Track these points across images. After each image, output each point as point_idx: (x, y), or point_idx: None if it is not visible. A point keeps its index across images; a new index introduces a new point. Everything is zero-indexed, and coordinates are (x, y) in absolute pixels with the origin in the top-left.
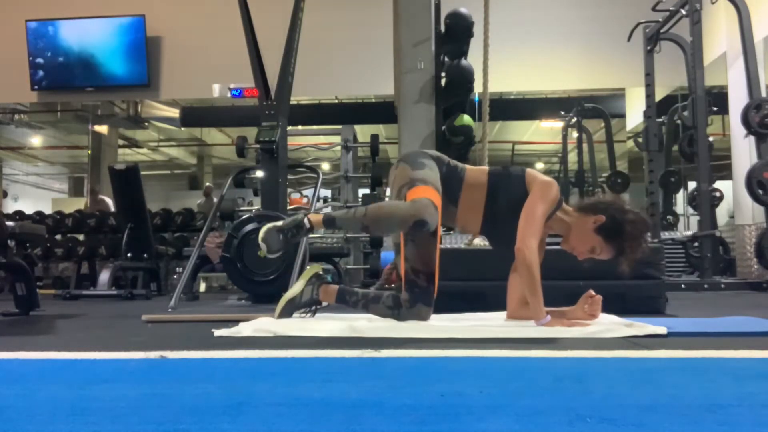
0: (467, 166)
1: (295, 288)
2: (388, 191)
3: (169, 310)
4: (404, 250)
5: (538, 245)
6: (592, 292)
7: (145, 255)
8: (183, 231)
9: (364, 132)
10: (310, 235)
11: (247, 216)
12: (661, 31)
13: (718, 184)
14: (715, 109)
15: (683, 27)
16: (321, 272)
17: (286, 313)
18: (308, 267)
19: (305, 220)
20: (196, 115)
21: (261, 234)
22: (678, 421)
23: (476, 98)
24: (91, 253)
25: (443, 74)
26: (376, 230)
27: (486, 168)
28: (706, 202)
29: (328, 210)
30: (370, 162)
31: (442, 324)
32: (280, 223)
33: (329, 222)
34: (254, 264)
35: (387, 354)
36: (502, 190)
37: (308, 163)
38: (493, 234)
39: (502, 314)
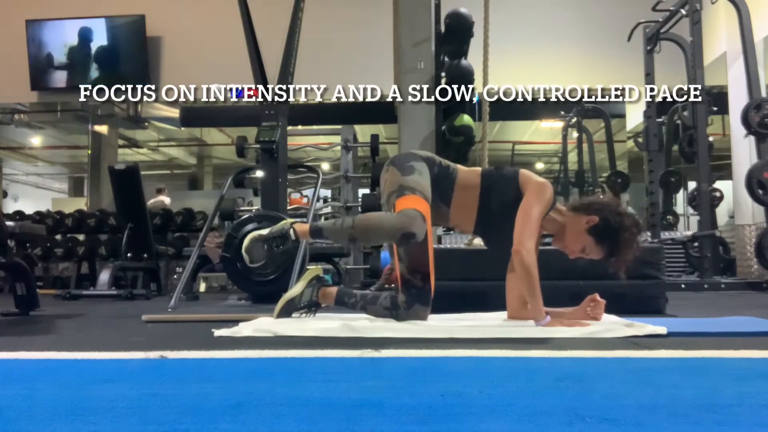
0: (459, 167)
1: (295, 289)
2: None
3: (169, 310)
4: (398, 251)
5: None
6: (597, 296)
7: (145, 255)
8: (183, 231)
9: (364, 132)
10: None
11: (247, 216)
12: (661, 31)
13: (718, 184)
14: (715, 109)
15: (683, 27)
16: (321, 274)
17: (285, 313)
18: (308, 269)
19: (291, 230)
20: (196, 115)
21: (245, 243)
22: (678, 421)
23: (476, 98)
24: (91, 253)
25: (443, 74)
26: (363, 241)
27: (479, 169)
28: (706, 202)
29: (328, 210)
30: (370, 162)
31: (442, 324)
32: (265, 232)
33: (316, 232)
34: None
35: (387, 354)
36: (494, 191)
37: (308, 163)
38: (487, 234)
39: (502, 314)
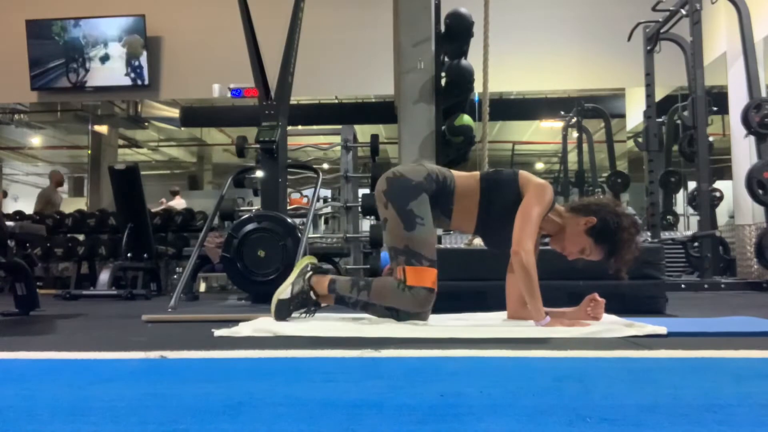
0: (456, 175)
1: (287, 281)
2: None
3: (169, 310)
4: (398, 254)
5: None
6: (596, 295)
7: (145, 255)
8: (183, 231)
9: (364, 132)
10: (311, 235)
11: (247, 216)
12: (661, 31)
13: (718, 184)
14: (715, 109)
15: (683, 27)
16: (314, 262)
17: (284, 312)
18: (301, 258)
19: (312, 293)
20: (196, 115)
21: (272, 307)
22: (678, 421)
23: (476, 98)
24: (91, 253)
25: (443, 74)
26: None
27: (476, 174)
28: (706, 202)
29: (328, 210)
30: (370, 162)
31: (442, 324)
32: (287, 295)
33: (333, 290)
34: (254, 264)
35: (387, 354)
36: (494, 194)
37: (308, 163)
38: (487, 235)
39: (502, 314)
